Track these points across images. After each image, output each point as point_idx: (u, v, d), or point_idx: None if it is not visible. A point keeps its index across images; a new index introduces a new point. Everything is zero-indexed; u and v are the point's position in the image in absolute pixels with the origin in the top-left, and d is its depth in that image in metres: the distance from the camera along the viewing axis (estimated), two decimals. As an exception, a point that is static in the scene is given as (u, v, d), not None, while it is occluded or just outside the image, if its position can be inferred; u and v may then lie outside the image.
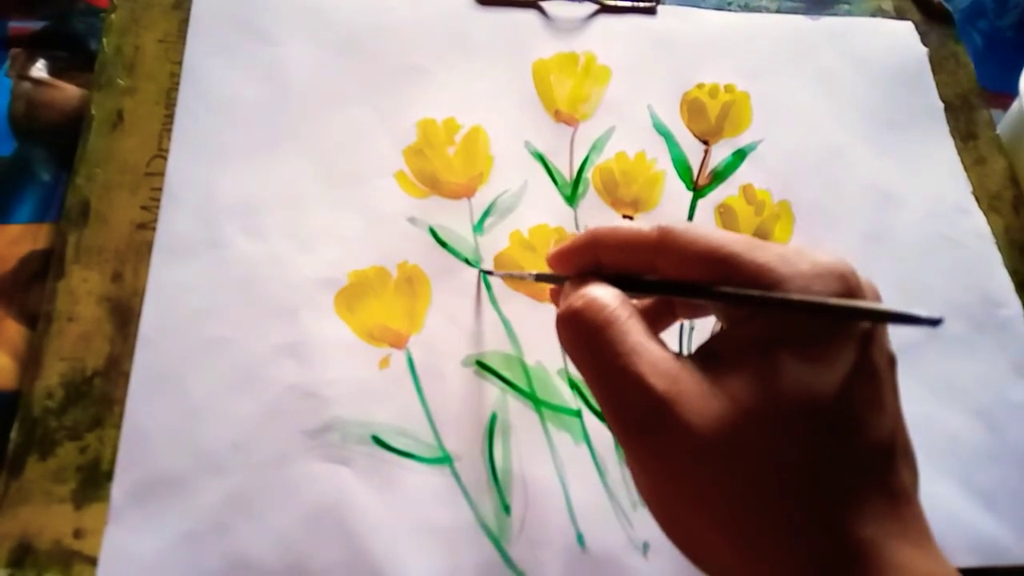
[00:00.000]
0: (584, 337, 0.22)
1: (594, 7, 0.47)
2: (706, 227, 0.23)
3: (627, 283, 0.24)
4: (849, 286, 0.20)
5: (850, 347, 0.20)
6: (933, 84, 0.48)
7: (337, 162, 0.40)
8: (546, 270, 0.28)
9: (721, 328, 0.23)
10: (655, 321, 0.27)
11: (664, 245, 0.23)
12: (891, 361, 0.22)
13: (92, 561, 0.30)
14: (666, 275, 0.23)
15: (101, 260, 0.36)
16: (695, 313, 0.27)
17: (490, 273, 0.37)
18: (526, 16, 0.46)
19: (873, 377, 0.20)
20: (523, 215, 0.40)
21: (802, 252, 0.21)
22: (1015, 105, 0.47)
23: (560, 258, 0.26)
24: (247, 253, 0.37)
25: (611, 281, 0.24)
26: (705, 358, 0.21)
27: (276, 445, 0.33)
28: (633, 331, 0.21)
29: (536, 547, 0.32)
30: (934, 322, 0.17)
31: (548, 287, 0.38)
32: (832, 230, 0.42)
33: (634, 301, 0.23)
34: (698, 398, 0.20)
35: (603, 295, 0.22)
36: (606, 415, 0.22)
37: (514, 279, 0.38)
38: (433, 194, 0.40)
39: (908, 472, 0.21)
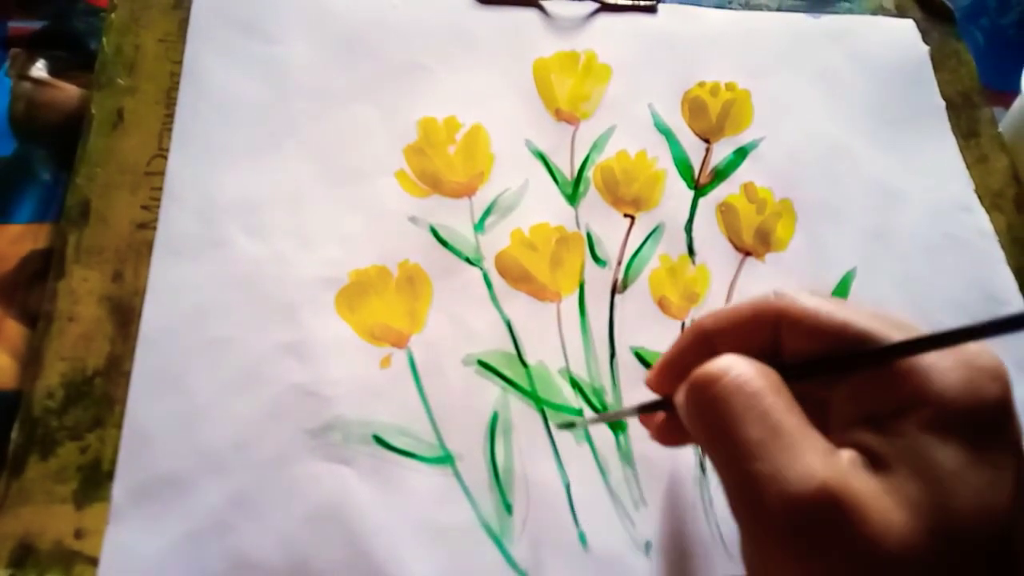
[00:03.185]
0: (725, 408, 0.18)
1: (594, 6, 0.47)
2: (829, 297, 0.20)
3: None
4: (1005, 386, 0.18)
5: (1011, 452, 0.18)
6: (935, 82, 0.48)
7: (338, 161, 0.40)
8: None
9: (847, 424, 0.20)
10: None
11: (786, 313, 0.20)
12: None
13: (93, 561, 0.30)
14: (792, 358, 0.20)
15: (101, 260, 0.36)
16: (819, 410, 0.22)
17: (570, 426, 0.34)
18: (526, 15, 0.46)
19: None
20: (524, 214, 0.40)
21: (969, 348, 0.18)
22: (1017, 103, 0.47)
23: (665, 371, 0.23)
24: (248, 252, 0.36)
25: None
26: (857, 455, 0.18)
27: (278, 445, 0.33)
28: (791, 411, 0.18)
29: (538, 547, 0.32)
30: None
31: (556, 289, 0.38)
32: (834, 228, 0.42)
33: None
34: (880, 499, 0.16)
35: (746, 365, 0.18)
36: (742, 507, 0.18)
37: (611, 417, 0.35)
38: (434, 193, 0.40)
39: None
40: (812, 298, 0.20)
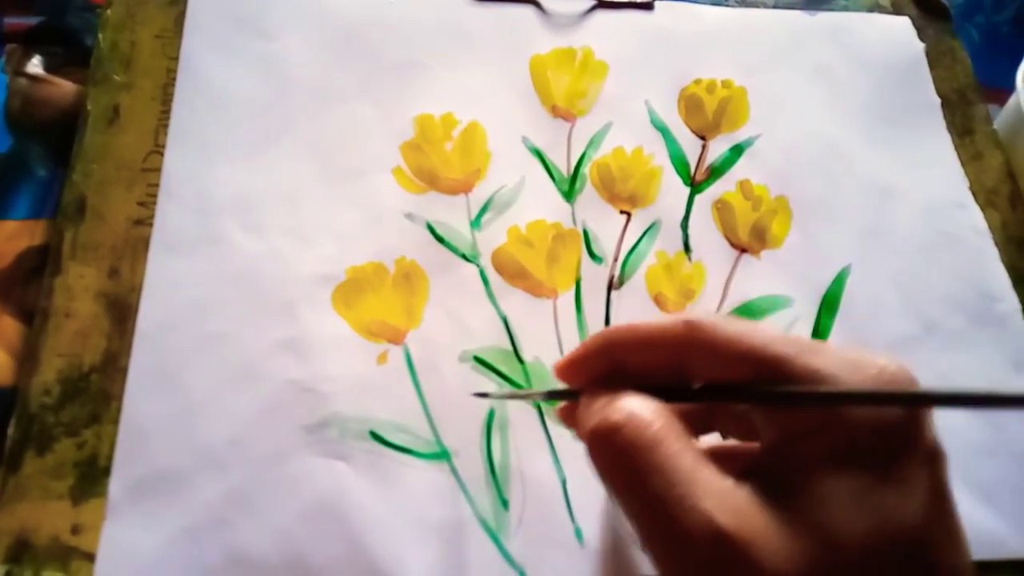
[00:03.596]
0: (626, 461, 0.18)
1: (591, 2, 0.47)
2: (742, 322, 0.20)
3: (659, 392, 0.20)
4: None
5: (920, 464, 0.18)
6: (930, 79, 0.48)
7: (334, 158, 0.40)
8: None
9: (766, 446, 0.20)
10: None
11: (694, 341, 0.20)
12: (945, 465, 0.19)
13: (90, 557, 0.30)
14: (700, 377, 0.20)
15: (98, 256, 0.35)
16: (733, 427, 0.23)
17: (485, 395, 0.33)
18: (523, 11, 0.46)
19: (944, 498, 0.18)
20: (521, 210, 0.40)
21: (863, 358, 0.19)
22: (1012, 100, 0.47)
23: (571, 368, 0.23)
24: (244, 249, 0.36)
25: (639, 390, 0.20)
26: (763, 482, 0.18)
27: (274, 441, 0.33)
28: (686, 453, 0.18)
29: (534, 542, 0.32)
30: None
31: (552, 285, 0.38)
32: (829, 225, 0.42)
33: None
34: (774, 537, 0.17)
35: (644, 408, 0.19)
36: (655, 557, 0.18)
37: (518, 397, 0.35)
38: (430, 190, 0.40)
39: None
40: (725, 323, 0.20)
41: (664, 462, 0.18)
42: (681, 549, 0.17)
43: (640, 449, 0.18)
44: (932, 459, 0.18)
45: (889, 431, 0.18)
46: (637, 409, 0.19)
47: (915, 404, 0.18)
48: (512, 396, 0.33)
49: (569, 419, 0.24)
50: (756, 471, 0.19)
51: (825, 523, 0.17)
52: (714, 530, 0.17)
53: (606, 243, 0.40)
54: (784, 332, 0.20)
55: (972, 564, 0.19)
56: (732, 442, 0.24)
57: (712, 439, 0.25)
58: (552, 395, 0.25)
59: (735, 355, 0.19)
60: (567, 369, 0.23)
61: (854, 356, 0.19)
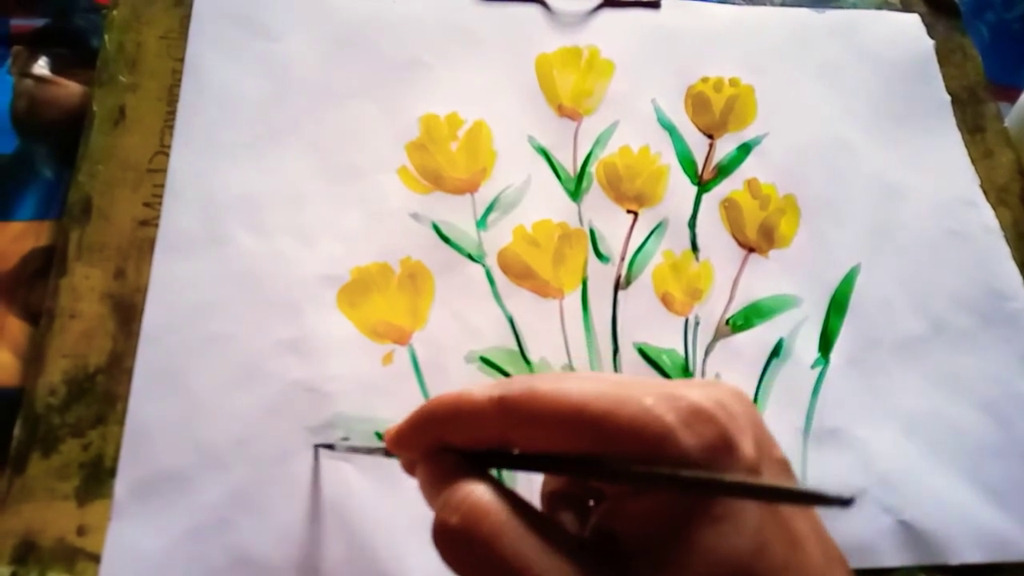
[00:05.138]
0: (471, 560, 0.18)
1: (597, 1, 0.47)
2: (560, 383, 0.19)
3: (489, 457, 0.20)
4: (719, 432, 0.18)
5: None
6: (940, 77, 0.48)
7: (339, 158, 0.39)
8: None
9: (604, 504, 0.20)
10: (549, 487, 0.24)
11: (507, 417, 0.19)
12: (780, 472, 0.19)
13: (95, 558, 0.30)
14: (523, 448, 0.20)
15: (103, 257, 0.35)
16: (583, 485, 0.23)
17: (330, 447, 0.33)
18: (529, 10, 0.46)
19: (779, 513, 0.18)
20: (526, 210, 0.40)
21: (673, 395, 0.18)
22: (1023, 98, 0.47)
23: (400, 442, 0.22)
24: (250, 249, 0.36)
25: (470, 455, 0.20)
26: (606, 544, 0.19)
27: (279, 441, 0.33)
28: (522, 538, 0.18)
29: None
30: (845, 502, 0.14)
31: (559, 285, 0.38)
32: (838, 224, 0.42)
33: None
34: None
35: (478, 499, 0.18)
36: None
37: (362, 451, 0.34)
38: (436, 190, 0.40)
39: None
40: (542, 392, 0.19)
41: (505, 553, 0.18)
42: None
43: (481, 546, 0.18)
44: (755, 477, 0.18)
45: (702, 466, 0.17)
46: (471, 502, 0.18)
47: (719, 493, 0.17)
48: (356, 450, 0.33)
49: (412, 471, 0.24)
50: (603, 533, 0.19)
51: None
52: None
53: (613, 242, 0.40)
54: (609, 374, 0.20)
55: (838, 555, 0.19)
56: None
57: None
58: (390, 452, 0.24)
59: (556, 429, 0.19)
60: (395, 443, 0.23)
61: (666, 394, 0.18)
